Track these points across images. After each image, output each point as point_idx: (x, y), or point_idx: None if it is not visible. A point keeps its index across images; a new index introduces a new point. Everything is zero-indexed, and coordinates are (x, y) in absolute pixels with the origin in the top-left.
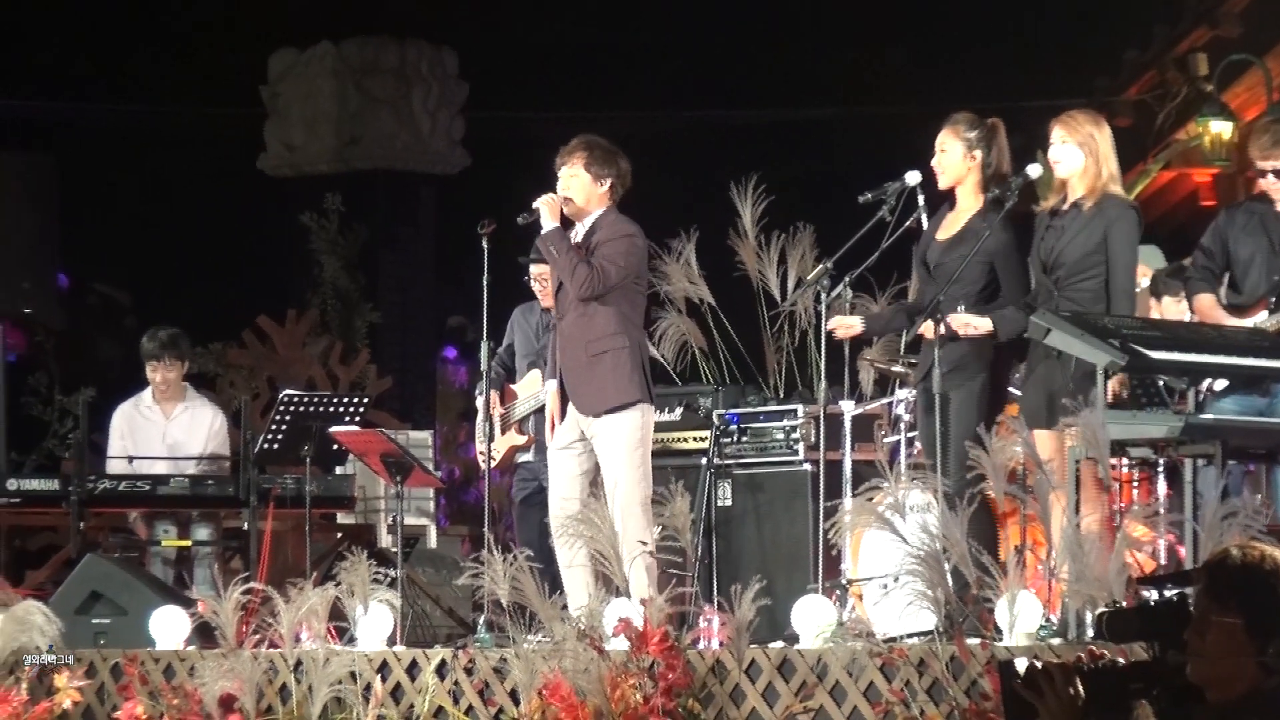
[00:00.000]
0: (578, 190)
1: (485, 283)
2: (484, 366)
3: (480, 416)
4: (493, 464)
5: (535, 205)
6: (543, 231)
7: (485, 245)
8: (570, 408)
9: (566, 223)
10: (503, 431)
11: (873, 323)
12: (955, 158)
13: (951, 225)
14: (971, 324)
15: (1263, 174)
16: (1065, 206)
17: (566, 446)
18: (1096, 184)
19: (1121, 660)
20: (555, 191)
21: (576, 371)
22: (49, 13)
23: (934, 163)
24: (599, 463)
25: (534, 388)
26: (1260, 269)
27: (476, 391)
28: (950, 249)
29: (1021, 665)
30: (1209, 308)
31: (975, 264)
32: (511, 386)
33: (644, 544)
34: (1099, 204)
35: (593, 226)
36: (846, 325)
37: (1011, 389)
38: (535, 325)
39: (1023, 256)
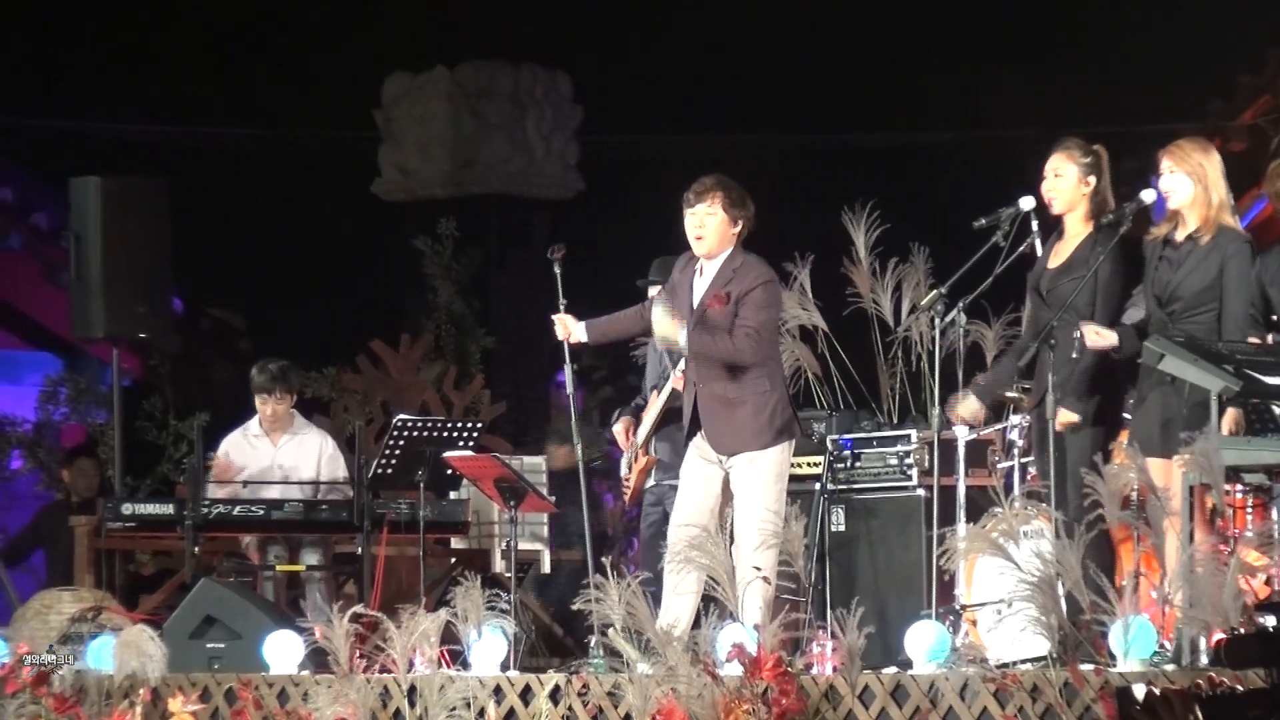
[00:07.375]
0: (712, 229)
1: (562, 307)
2: (568, 390)
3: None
4: (627, 494)
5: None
6: (684, 344)
7: (558, 270)
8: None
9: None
10: (633, 462)
11: (984, 393)
12: (1070, 182)
13: (1062, 252)
14: (1101, 334)
15: None
16: (1179, 238)
17: (707, 459)
18: (1209, 213)
19: (1240, 688)
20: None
21: (713, 412)
22: (164, 37)
23: (1045, 188)
24: (732, 489)
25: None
26: None
27: (611, 420)
28: (1060, 275)
29: (1140, 692)
30: None
31: (1087, 289)
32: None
33: (759, 570)
34: (1215, 238)
35: (724, 268)
36: (972, 410)
37: (1126, 414)
38: (661, 352)
39: (1122, 284)
